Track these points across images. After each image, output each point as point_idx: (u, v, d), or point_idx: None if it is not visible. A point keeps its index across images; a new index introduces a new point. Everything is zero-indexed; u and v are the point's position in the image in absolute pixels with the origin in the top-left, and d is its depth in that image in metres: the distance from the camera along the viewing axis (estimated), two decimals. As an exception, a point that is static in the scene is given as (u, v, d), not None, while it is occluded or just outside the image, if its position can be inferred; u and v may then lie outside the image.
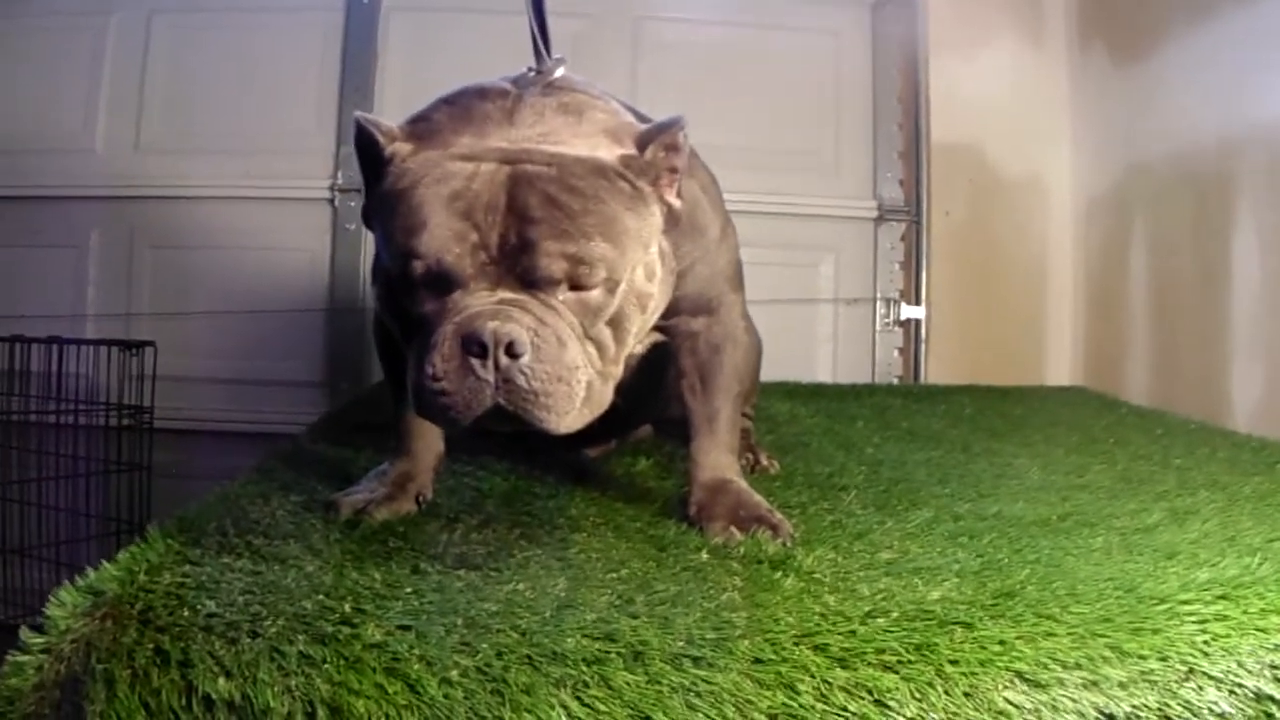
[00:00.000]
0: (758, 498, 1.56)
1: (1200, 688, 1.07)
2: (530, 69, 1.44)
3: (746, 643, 1.06)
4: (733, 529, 1.46)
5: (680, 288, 1.50)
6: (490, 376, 1.19)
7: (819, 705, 1.02)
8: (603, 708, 1.00)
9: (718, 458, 1.60)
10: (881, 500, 1.71)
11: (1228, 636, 1.11)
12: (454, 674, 1.01)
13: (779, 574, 1.28)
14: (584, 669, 1.02)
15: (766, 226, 3.59)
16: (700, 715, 1.01)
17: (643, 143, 1.33)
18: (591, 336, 1.27)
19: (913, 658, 1.06)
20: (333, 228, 3.63)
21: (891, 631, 1.09)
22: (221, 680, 1.01)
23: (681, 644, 1.05)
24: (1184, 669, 1.08)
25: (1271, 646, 1.11)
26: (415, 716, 0.99)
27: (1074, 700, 1.05)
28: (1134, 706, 1.06)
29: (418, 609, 1.12)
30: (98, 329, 3.50)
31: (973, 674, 1.05)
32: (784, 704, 1.02)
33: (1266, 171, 2.72)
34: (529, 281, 1.23)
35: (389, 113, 1.41)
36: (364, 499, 1.54)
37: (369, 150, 1.32)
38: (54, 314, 3.48)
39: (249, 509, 1.51)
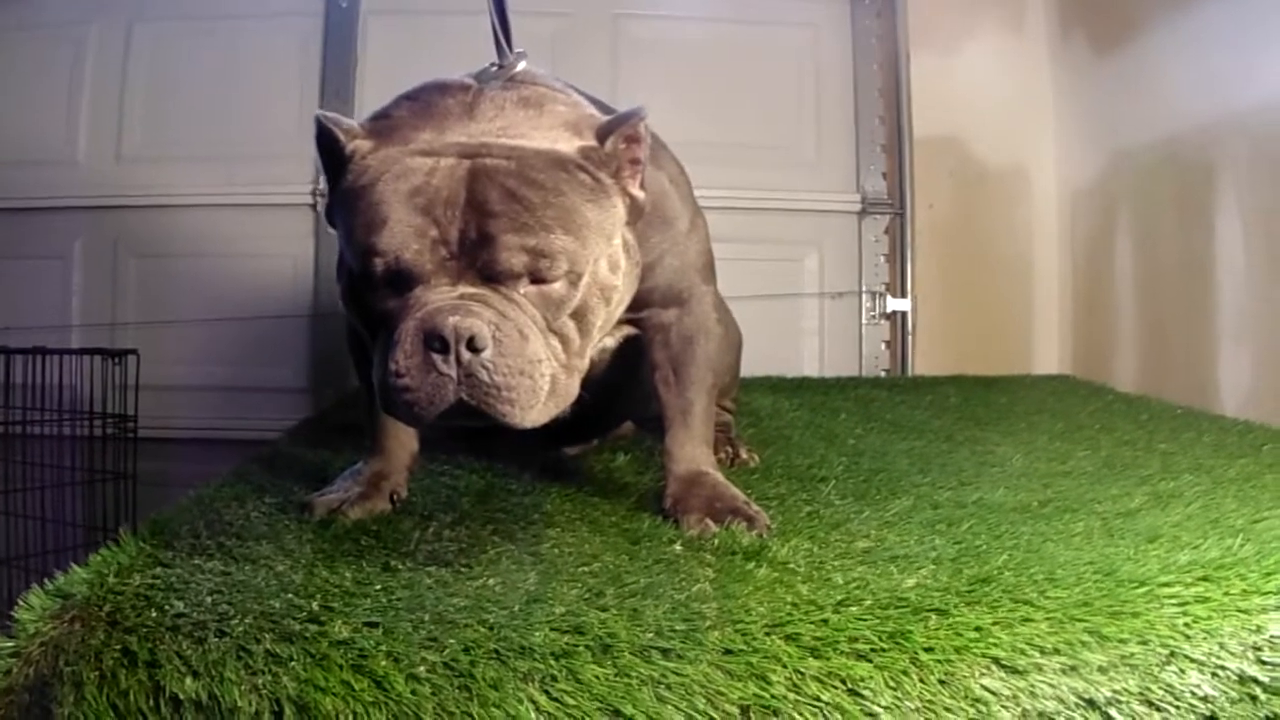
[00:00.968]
0: (734, 490, 1.55)
1: (1182, 670, 1.07)
2: (492, 64, 1.43)
3: (716, 633, 1.05)
4: (708, 521, 1.45)
5: (650, 280, 1.49)
6: (452, 371, 1.18)
7: (791, 695, 1.01)
8: (571, 701, 0.99)
9: (693, 450, 1.60)
10: (860, 490, 1.70)
11: (1209, 619, 1.10)
12: (421, 670, 1.01)
13: (752, 565, 1.27)
14: (552, 663, 1.01)
15: (750, 222, 3.61)
16: (670, 707, 1.00)
17: (603, 134, 1.32)
18: (555, 330, 1.26)
19: (886, 646, 1.05)
20: (316, 233, 3.62)
21: (865, 620, 1.08)
22: (188, 680, 1.01)
23: (650, 636, 1.04)
24: (1165, 652, 1.07)
25: (1254, 628, 1.10)
26: (383, 713, 0.99)
27: (1053, 686, 1.05)
28: (1114, 691, 1.05)
29: (386, 606, 1.12)
30: (84, 339, 3.50)
31: (948, 661, 1.04)
32: (756, 695, 1.01)
33: (1249, 157, 2.72)
34: (490, 276, 1.22)
35: (370, 113, 1.41)
36: (338, 499, 1.53)
37: (330, 148, 1.32)
38: (39, 325, 3.47)
39: (223, 511, 1.50)
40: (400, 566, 1.26)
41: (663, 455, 1.62)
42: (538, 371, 1.22)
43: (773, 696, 1.01)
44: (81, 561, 1.22)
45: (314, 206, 3.60)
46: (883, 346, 3.78)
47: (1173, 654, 1.07)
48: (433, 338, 1.18)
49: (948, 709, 1.03)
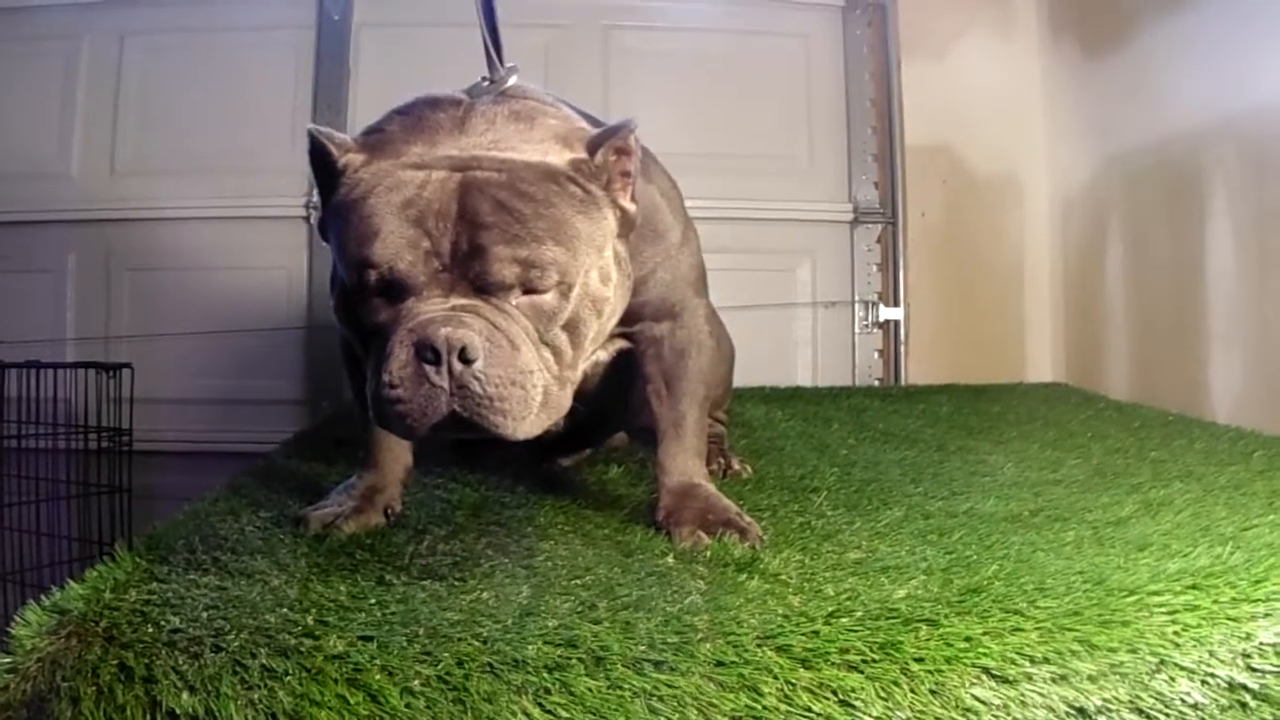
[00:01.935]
0: (726, 501, 1.55)
1: (1172, 679, 1.07)
2: (484, 78, 1.44)
3: (708, 645, 1.05)
4: (700, 533, 1.45)
5: (642, 293, 1.50)
6: (444, 383, 1.19)
7: (783, 706, 1.02)
8: (564, 713, 1.00)
9: (685, 462, 1.60)
10: (852, 501, 1.71)
11: (1199, 627, 1.11)
12: (415, 683, 1.01)
13: (744, 576, 1.27)
14: (545, 675, 1.02)
15: (742, 232, 3.62)
16: (663, 719, 1.00)
17: (593, 147, 1.33)
18: (547, 341, 1.27)
19: (877, 656, 1.05)
20: (309, 245, 3.62)
21: (855, 631, 1.08)
22: (185, 695, 1.01)
23: (643, 648, 1.05)
24: (1155, 660, 1.08)
25: (1243, 635, 1.11)
26: (377, 727, 0.99)
27: (1043, 695, 1.05)
28: (1105, 700, 1.06)
29: (381, 620, 1.12)
30: (78, 352, 3.49)
31: (939, 671, 1.05)
32: (747, 706, 1.01)
33: (1239, 162, 2.73)
34: (481, 287, 1.23)
35: (362, 128, 1.42)
36: (333, 513, 1.54)
37: (323, 162, 1.33)
38: (33, 339, 3.46)
39: (218, 526, 1.50)
40: (394, 580, 1.27)
41: (655, 468, 1.62)
42: (530, 382, 1.22)
43: (764, 708, 1.01)
44: (77, 575, 1.22)
45: (307, 219, 3.60)
46: (876, 355, 3.78)
47: (1163, 662, 1.08)
48: (425, 348, 1.18)
49: (939, 719, 1.03)
